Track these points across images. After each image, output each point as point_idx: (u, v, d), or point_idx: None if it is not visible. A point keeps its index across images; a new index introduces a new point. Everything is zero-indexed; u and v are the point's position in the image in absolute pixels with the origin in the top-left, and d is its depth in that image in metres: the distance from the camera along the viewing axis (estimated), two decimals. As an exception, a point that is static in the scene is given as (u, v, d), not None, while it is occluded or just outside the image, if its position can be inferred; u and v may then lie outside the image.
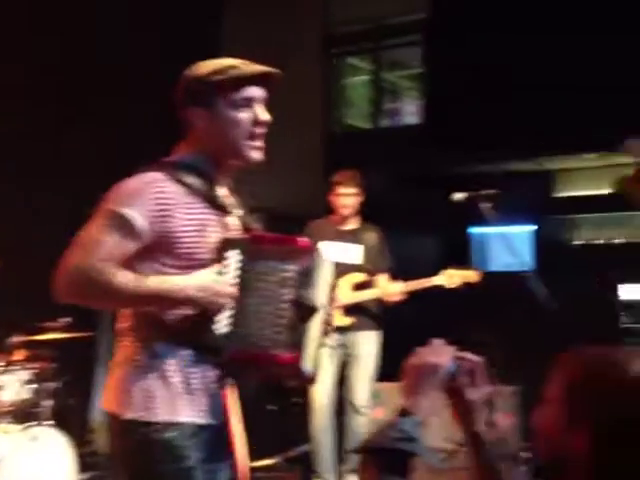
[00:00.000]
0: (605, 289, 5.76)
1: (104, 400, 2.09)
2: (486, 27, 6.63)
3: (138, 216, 1.97)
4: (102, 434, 5.06)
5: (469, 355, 1.57)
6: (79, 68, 5.33)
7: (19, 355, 4.24)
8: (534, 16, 6.39)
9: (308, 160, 7.37)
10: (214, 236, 2.06)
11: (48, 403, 4.20)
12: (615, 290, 5.34)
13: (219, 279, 2.01)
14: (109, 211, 2.00)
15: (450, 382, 1.53)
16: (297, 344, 2.01)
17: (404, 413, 1.47)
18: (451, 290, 4.61)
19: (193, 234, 2.03)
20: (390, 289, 4.59)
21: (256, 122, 2.10)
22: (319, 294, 2.09)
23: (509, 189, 4.55)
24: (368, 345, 4.68)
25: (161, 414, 1.99)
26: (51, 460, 3.92)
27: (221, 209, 2.12)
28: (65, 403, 4.59)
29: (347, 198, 4.67)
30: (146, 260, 2.02)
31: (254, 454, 2.34)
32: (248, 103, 2.09)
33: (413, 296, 4.69)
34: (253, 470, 2.27)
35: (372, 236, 4.75)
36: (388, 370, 4.68)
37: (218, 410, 2.07)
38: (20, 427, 3.91)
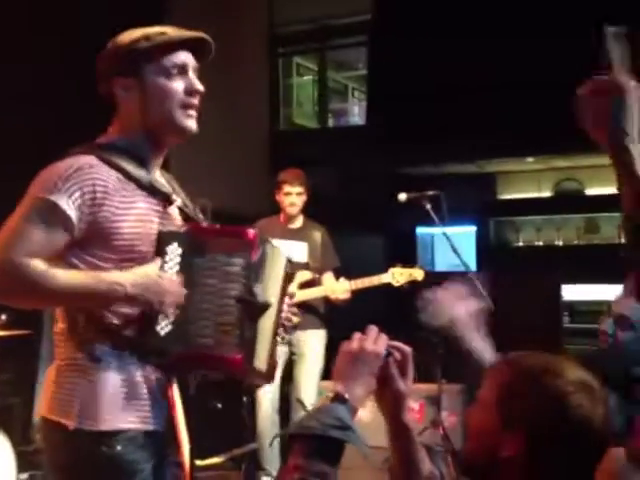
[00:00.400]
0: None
1: (42, 408, 1.89)
2: (429, 29, 6.72)
3: (68, 203, 1.78)
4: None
5: (400, 345, 1.55)
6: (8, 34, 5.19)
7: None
8: (477, 19, 6.50)
9: (254, 159, 7.37)
10: (155, 227, 1.90)
11: (-11, 401, 4.11)
12: (558, 291, 5.46)
13: (163, 275, 1.85)
14: (35, 199, 1.80)
15: (381, 370, 1.51)
16: (245, 343, 1.85)
17: (338, 399, 1.43)
18: (397, 289, 4.66)
19: (132, 224, 1.86)
20: (336, 287, 4.62)
21: (189, 91, 1.94)
22: (270, 289, 1.95)
23: (452, 190, 4.62)
24: (314, 343, 4.70)
25: (107, 422, 1.82)
26: (-9, 459, 3.83)
27: (161, 197, 1.95)
28: (7, 401, 4.50)
29: (293, 197, 4.68)
30: (79, 253, 1.84)
31: (200, 453, 2.27)
32: (180, 70, 1.93)
33: (359, 295, 4.73)
34: (199, 469, 2.17)
35: (317, 235, 4.77)
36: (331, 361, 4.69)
37: (163, 415, 1.92)
38: (-42, 426, 3.81)
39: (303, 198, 4.74)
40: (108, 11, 5.23)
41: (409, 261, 4.91)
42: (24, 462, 4.18)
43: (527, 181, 7.73)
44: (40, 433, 1.91)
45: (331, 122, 8.64)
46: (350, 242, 5.68)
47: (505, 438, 1.35)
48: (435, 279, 5.01)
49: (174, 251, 1.88)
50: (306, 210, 4.83)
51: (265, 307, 1.90)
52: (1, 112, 4.90)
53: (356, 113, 8.93)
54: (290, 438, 1.38)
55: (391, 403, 1.53)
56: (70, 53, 5.12)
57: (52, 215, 1.78)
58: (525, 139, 6.30)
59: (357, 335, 1.52)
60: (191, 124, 1.96)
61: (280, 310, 2.05)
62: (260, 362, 1.93)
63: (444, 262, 7.48)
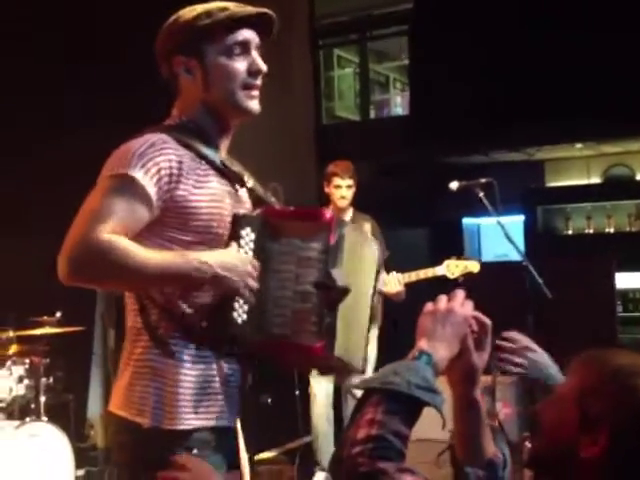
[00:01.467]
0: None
1: (114, 404, 1.84)
2: (471, 16, 6.63)
3: (145, 179, 1.71)
4: (99, 429, 5.02)
5: (480, 315, 1.47)
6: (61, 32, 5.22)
7: (12, 350, 4.18)
8: (520, 7, 6.39)
9: (300, 153, 7.34)
10: (229, 208, 1.82)
11: (43, 399, 4.14)
12: (612, 279, 5.35)
13: (243, 258, 1.77)
14: (111, 176, 1.73)
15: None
16: (325, 331, 1.75)
17: (424, 358, 1.34)
18: (449, 281, 4.59)
19: (209, 204, 1.78)
20: (389, 280, 4.57)
21: (252, 71, 1.86)
22: (352, 273, 1.84)
23: (499, 179, 4.54)
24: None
25: (183, 421, 1.78)
26: (49, 457, 3.85)
27: (234, 178, 1.88)
28: (60, 398, 4.54)
29: (343, 190, 4.64)
30: (154, 235, 1.77)
31: (254, 447, 2.23)
32: (243, 49, 1.85)
33: (410, 287, 4.66)
34: (254, 464, 2.12)
35: (367, 226, 4.72)
36: (386, 361, 4.65)
37: (237, 409, 1.87)
38: (16, 424, 3.85)
39: (353, 190, 4.69)
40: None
41: (455, 252, 4.84)
42: (80, 459, 4.21)
43: (576, 168, 7.58)
44: (110, 430, 1.87)
45: (373, 114, 8.57)
46: (395, 234, 5.62)
47: (585, 438, 1.28)
48: (489, 270, 4.98)
49: (248, 235, 1.81)
50: (354, 202, 4.79)
51: (345, 292, 1.78)
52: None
53: (398, 104, 8.86)
54: (369, 390, 1.30)
55: (463, 376, 1.45)
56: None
57: (132, 190, 1.71)
58: (573, 125, 6.18)
59: (443, 296, 1.44)
60: (253, 105, 1.89)
61: (372, 299, 1.96)
62: (344, 350, 1.82)
63: (491, 252, 7.39)
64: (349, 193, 4.66)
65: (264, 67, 1.89)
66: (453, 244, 7.18)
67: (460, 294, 1.45)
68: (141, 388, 1.79)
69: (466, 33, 6.59)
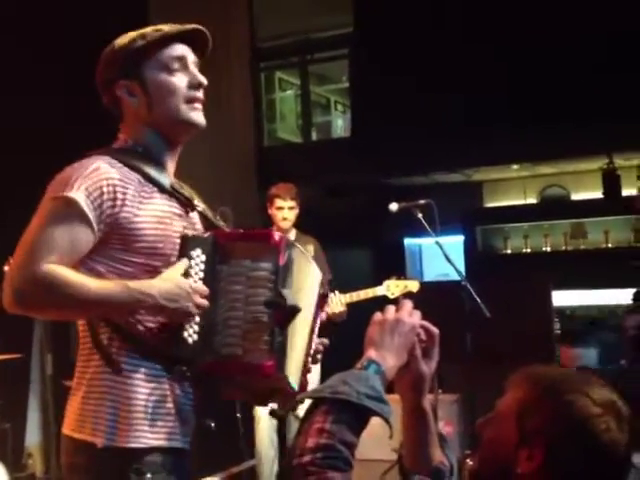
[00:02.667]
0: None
1: (67, 426, 1.83)
2: (410, 40, 6.74)
3: (87, 202, 1.72)
4: (38, 458, 4.91)
5: (428, 325, 1.48)
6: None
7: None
8: (455, 29, 6.52)
9: (241, 175, 7.34)
10: (177, 230, 1.84)
11: (-20, 428, 4.05)
12: (549, 297, 5.46)
13: (187, 285, 1.78)
14: (52, 199, 1.74)
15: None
16: (276, 349, 1.76)
17: (372, 367, 1.35)
18: (390, 301, 4.64)
19: (153, 225, 1.80)
20: (332, 301, 4.59)
21: (193, 85, 1.90)
22: (299, 293, 1.87)
23: (438, 200, 4.62)
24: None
25: (137, 439, 1.77)
26: (-14, 487, 3.76)
27: (183, 201, 1.90)
28: (0, 427, 4.44)
29: (285, 211, 4.66)
30: (100, 258, 1.78)
31: (197, 472, 2.20)
32: (181, 65, 1.89)
33: (350, 307, 4.70)
34: None
35: (310, 248, 4.75)
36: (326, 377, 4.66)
37: (191, 430, 1.88)
38: (-49, 454, 3.75)
39: (295, 212, 4.71)
40: (92, 28, 5.21)
41: (397, 272, 4.90)
42: (18, 489, 4.11)
43: (513, 188, 7.75)
44: (63, 453, 1.84)
45: (315, 136, 8.63)
46: (338, 255, 5.67)
47: (521, 453, 1.30)
48: (428, 289, 5.05)
49: (199, 257, 1.82)
50: (297, 224, 4.81)
51: (295, 311, 1.80)
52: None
53: (340, 126, 8.94)
54: (317, 400, 1.31)
55: (411, 385, 1.47)
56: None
57: (73, 214, 1.72)
58: (509, 147, 6.32)
59: (391, 307, 1.46)
60: (198, 117, 1.92)
61: (314, 324, 1.97)
62: (292, 372, 1.83)
63: (432, 272, 7.48)
64: (291, 215, 4.68)
65: (204, 80, 1.92)
66: (395, 264, 7.25)
67: (408, 304, 1.47)
68: (94, 407, 1.79)
69: (405, 56, 6.70)
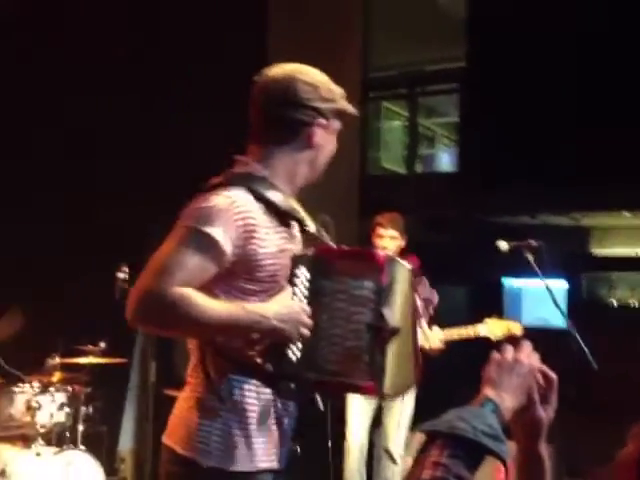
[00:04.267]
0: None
1: (171, 437, 1.87)
2: (524, 79, 6.67)
3: (224, 238, 1.77)
4: (130, 463, 5.00)
5: (547, 369, 1.43)
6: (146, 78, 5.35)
7: (55, 377, 4.20)
8: (571, 70, 6.42)
9: (342, 200, 7.37)
10: (288, 255, 1.89)
11: (80, 428, 4.15)
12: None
13: (297, 306, 1.83)
14: (191, 229, 1.79)
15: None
16: (375, 370, 1.78)
17: (489, 405, 1.33)
18: (486, 342, 4.54)
19: (275, 255, 1.85)
20: (431, 336, 4.52)
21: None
22: (400, 312, 1.87)
23: (544, 242, 4.52)
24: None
25: (241, 462, 1.81)
26: (84, 486, 3.85)
27: (295, 222, 1.96)
28: (95, 429, 4.54)
29: (386, 240, 4.60)
30: (222, 285, 1.82)
31: None
32: (335, 134, 2.01)
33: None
34: None
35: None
36: (420, 420, 4.60)
37: (288, 450, 1.90)
38: (54, 450, 3.85)
39: (397, 242, 4.65)
40: (211, 58, 5.37)
41: (494, 312, 4.80)
42: (111, 492, 4.19)
43: (622, 236, 7.53)
44: (164, 462, 1.88)
45: (419, 167, 8.62)
46: (435, 290, 5.60)
47: None
48: (530, 333, 4.92)
49: (303, 274, 1.86)
50: (402, 255, 4.78)
51: (395, 332, 1.83)
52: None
53: (444, 160, 8.91)
54: (433, 435, 1.29)
55: (527, 430, 1.43)
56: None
57: (208, 247, 1.77)
58: (622, 193, 6.15)
59: (509, 347, 1.42)
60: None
61: (414, 330, 2.00)
62: (389, 388, 1.86)
63: (531, 316, 7.31)
64: (392, 244, 4.61)
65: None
66: (492, 304, 7.11)
67: (527, 345, 1.43)
68: (202, 427, 1.82)
69: (518, 94, 6.63)
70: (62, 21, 5.50)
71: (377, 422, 4.70)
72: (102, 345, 4.33)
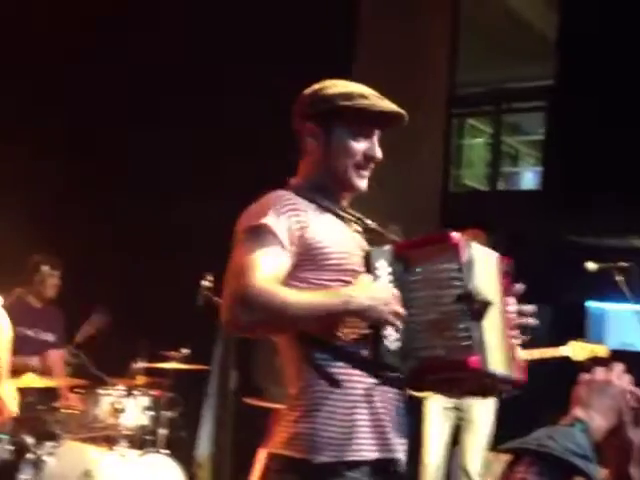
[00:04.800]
0: None
1: (276, 444, 1.87)
2: (613, 99, 6.52)
3: (277, 226, 1.83)
4: (207, 470, 5.08)
5: (638, 391, 1.42)
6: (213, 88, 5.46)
7: (139, 381, 4.30)
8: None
9: (424, 217, 7.35)
10: (354, 248, 1.91)
11: (163, 432, 4.24)
12: None
13: (383, 286, 1.83)
14: (247, 229, 1.86)
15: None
16: (476, 344, 1.77)
17: (578, 425, 1.32)
18: (570, 363, 4.45)
19: (337, 242, 1.89)
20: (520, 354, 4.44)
21: (367, 156, 1.98)
22: (487, 287, 1.85)
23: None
24: (484, 410, 4.54)
25: (354, 452, 1.81)
26: (167, 490, 3.92)
27: (356, 222, 1.99)
28: (175, 434, 4.63)
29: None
30: (294, 281, 1.85)
31: None
32: (366, 135, 1.98)
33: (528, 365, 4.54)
34: None
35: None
36: (499, 441, 4.54)
37: (402, 438, 1.89)
38: (138, 452, 3.94)
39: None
40: (295, 71, 5.44)
41: (577, 335, 4.69)
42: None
43: None
44: (272, 472, 1.88)
45: (501, 185, 8.52)
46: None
47: None
48: (616, 357, 4.80)
49: (384, 268, 1.87)
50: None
51: (486, 304, 1.81)
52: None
53: (527, 178, 8.78)
54: (522, 450, 1.29)
55: (618, 452, 1.40)
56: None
57: (265, 237, 1.83)
58: None
59: (599, 368, 1.42)
60: (361, 184, 2.00)
61: (505, 311, 1.94)
62: (496, 365, 1.83)
63: (616, 340, 7.11)
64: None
65: (379, 155, 1.99)
66: (575, 326, 6.96)
67: (618, 367, 1.42)
68: (307, 424, 1.83)
69: (607, 113, 6.49)
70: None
71: (455, 441, 4.65)
72: (185, 351, 4.42)
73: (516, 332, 1.94)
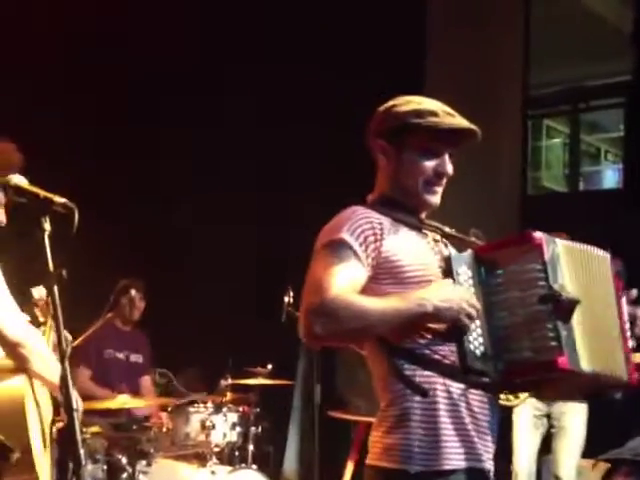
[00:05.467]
0: None
1: (372, 456, 1.91)
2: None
3: (351, 237, 1.86)
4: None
5: None
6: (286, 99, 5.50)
7: (227, 397, 4.37)
8: None
9: (503, 222, 7.24)
10: (435, 257, 1.93)
11: (251, 447, 4.29)
12: None
13: (458, 288, 1.83)
14: (325, 244, 1.89)
15: None
16: (564, 343, 1.76)
17: None
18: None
19: (415, 254, 1.91)
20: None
21: (439, 173, 1.98)
22: (574, 284, 1.83)
23: None
24: (576, 417, 4.44)
25: (447, 461, 1.82)
26: (257, 505, 3.96)
27: (433, 231, 2.01)
28: (263, 449, 4.67)
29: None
30: (373, 292, 1.86)
31: None
32: (437, 152, 1.98)
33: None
34: None
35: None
36: (590, 447, 4.44)
37: (491, 447, 1.90)
38: (228, 469, 3.99)
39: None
40: (365, 80, 5.46)
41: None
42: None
43: None
44: None
45: (582, 186, 8.33)
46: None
47: None
48: None
49: (465, 273, 1.86)
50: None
51: (574, 302, 1.80)
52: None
53: (609, 177, 8.56)
54: (618, 460, 1.27)
55: None
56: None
57: (343, 252, 1.85)
58: None
59: None
60: (433, 200, 2.00)
61: (619, 308, 1.93)
62: (588, 363, 1.81)
63: None
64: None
65: (450, 172, 1.99)
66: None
67: None
68: (400, 435, 1.85)
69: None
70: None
71: (547, 449, 4.57)
72: (269, 367, 4.47)
73: (627, 333, 1.92)
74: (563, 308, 1.79)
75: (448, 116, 1.97)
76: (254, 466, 4.11)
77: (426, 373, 1.85)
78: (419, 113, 1.96)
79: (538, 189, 8.34)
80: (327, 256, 1.86)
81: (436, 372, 1.85)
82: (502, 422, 2.02)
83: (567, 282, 1.82)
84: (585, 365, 1.80)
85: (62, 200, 1.88)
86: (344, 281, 1.82)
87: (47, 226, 1.86)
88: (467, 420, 1.86)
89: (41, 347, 2.36)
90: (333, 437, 4.74)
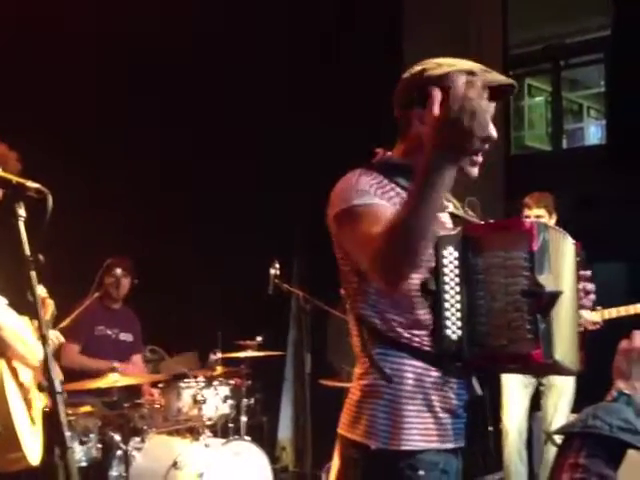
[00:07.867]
0: None
1: (342, 425, 1.93)
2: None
3: (369, 187, 1.85)
4: (290, 451, 5.17)
5: None
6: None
7: (218, 371, 4.40)
8: None
9: (488, 183, 7.24)
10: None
11: (244, 419, 4.33)
12: None
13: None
14: (343, 211, 1.86)
15: None
16: (541, 337, 1.74)
17: (622, 399, 1.33)
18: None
19: None
20: (587, 316, 4.38)
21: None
22: (559, 276, 1.83)
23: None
24: (564, 374, 4.50)
25: (409, 442, 1.83)
26: (252, 475, 4.00)
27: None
28: (256, 419, 4.72)
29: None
30: None
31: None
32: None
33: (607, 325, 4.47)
34: None
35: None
36: (580, 402, 4.49)
37: (462, 426, 1.90)
38: (221, 441, 4.03)
39: (544, 221, 4.55)
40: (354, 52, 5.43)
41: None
42: (275, 480, 4.34)
43: None
44: (338, 450, 1.95)
45: (565, 143, 8.33)
46: (590, 269, 5.38)
47: None
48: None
49: (451, 254, 1.82)
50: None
51: (555, 296, 1.77)
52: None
53: (592, 133, 8.57)
54: (568, 435, 1.31)
55: None
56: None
57: (375, 213, 1.81)
58: None
59: (637, 334, 1.42)
60: (473, 171, 1.94)
61: (577, 298, 1.94)
62: (562, 355, 1.81)
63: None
64: (541, 223, 4.51)
65: (495, 134, 1.86)
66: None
67: None
68: (367, 411, 1.87)
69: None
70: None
71: (536, 407, 4.62)
72: (259, 339, 4.50)
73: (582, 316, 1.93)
74: (544, 302, 1.76)
75: (485, 73, 1.88)
76: (247, 437, 4.15)
77: (398, 355, 1.86)
78: (457, 74, 1.84)
79: (522, 148, 8.33)
80: (351, 215, 1.83)
81: (410, 355, 1.85)
82: (491, 382, 2.04)
83: (553, 273, 1.80)
84: (559, 355, 1.79)
85: (35, 185, 1.88)
86: (378, 221, 1.77)
87: (22, 212, 1.86)
88: (436, 402, 1.87)
89: (21, 330, 2.37)
90: (325, 405, 4.79)
